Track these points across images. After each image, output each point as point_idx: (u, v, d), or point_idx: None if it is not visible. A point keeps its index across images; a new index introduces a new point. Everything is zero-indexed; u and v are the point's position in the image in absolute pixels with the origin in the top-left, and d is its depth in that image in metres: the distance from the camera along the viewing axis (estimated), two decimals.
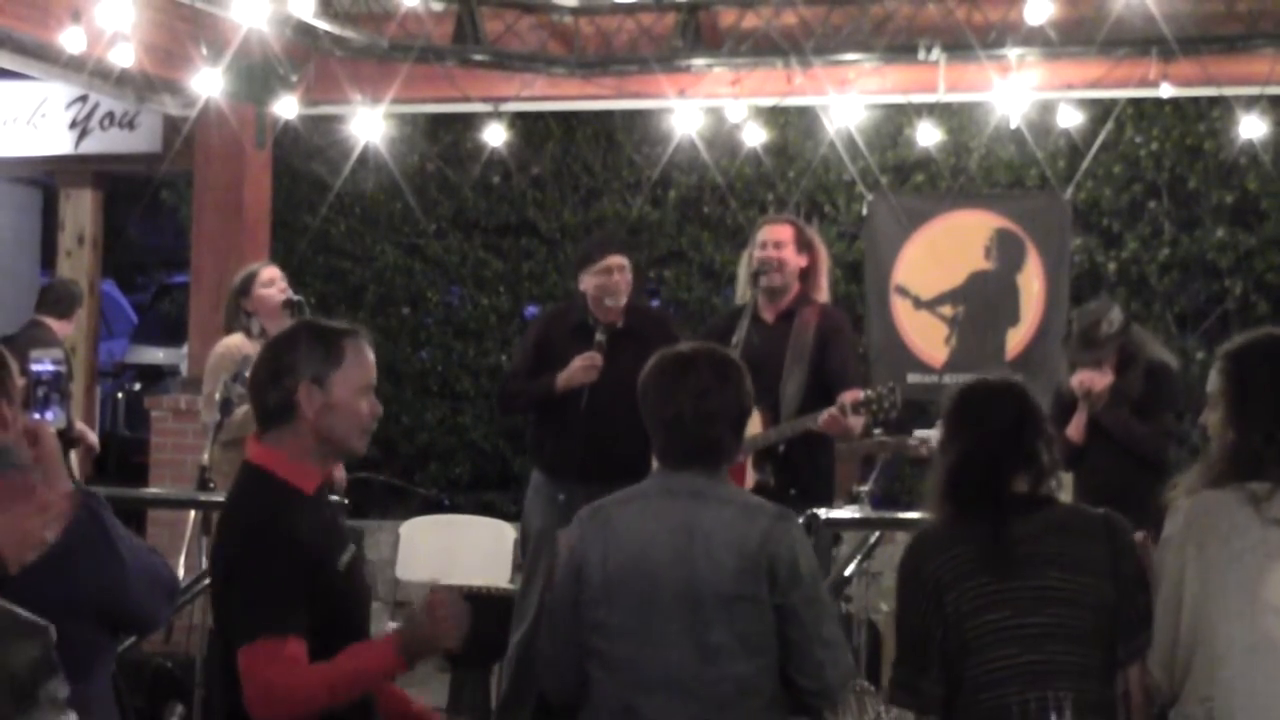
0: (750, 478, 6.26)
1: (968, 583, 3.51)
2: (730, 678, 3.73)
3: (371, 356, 3.80)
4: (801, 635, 3.76)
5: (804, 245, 6.70)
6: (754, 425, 5.79)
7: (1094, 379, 6.92)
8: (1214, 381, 3.62)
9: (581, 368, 6.53)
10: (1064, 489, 3.79)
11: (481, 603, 6.77)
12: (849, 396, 6.13)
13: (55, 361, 6.32)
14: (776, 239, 6.63)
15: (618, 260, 6.68)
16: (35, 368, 6.18)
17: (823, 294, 6.74)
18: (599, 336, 6.58)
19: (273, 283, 6.95)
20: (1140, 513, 4.09)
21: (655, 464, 4.05)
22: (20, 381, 3.53)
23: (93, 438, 8.16)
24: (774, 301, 6.62)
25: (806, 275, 6.67)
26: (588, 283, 6.69)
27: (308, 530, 3.65)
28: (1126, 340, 7.03)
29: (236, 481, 3.85)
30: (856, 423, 6.24)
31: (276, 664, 3.57)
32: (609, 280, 6.65)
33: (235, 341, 6.83)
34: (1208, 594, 3.44)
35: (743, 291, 6.76)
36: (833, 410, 6.15)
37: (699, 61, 8.43)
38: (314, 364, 3.70)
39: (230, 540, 3.76)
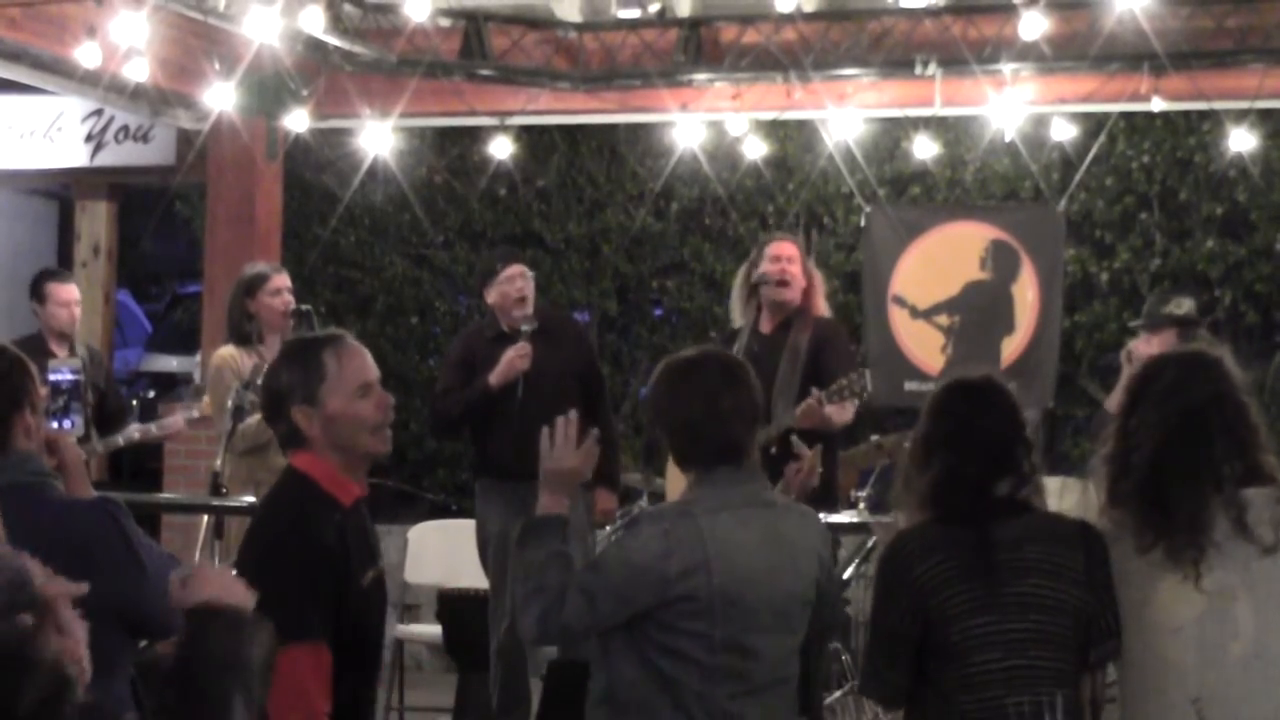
0: None
1: (953, 588, 3.55)
2: (797, 675, 3.94)
3: (361, 356, 3.70)
4: (829, 616, 4.09)
5: (804, 264, 6.86)
6: None
7: (1140, 345, 6.87)
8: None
9: (516, 358, 6.72)
10: (1041, 493, 3.85)
11: (486, 605, 6.92)
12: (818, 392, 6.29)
13: (73, 370, 6.45)
14: (789, 254, 6.77)
15: (519, 268, 6.97)
16: (54, 377, 6.29)
17: (823, 311, 6.87)
18: (525, 328, 6.79)
19: (279, 293, 7.04)
20: None
21: (676, 469, 4.12)
22: (42, 391, 3.66)
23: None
24: (775, 315, 6.76)
25: (806, 293, 6.80)
26: (495, 294, 6.93)
27: (335, 540, 3.59)
28: (1193, 337, 6.76)
29: (277, 482, 3.77)
30: (836, 411, 6.32)
31: (312, 671, 3.52)
32: (515, 286, 6.90)
33: (231, 352, 6.94)
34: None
35: (737, 309, 6.88)
36: (808, 401, 6.28)
37: (700, 76, 8.50)
38: (300, 386, 3.64)
39: (258, 543, 3.70)
